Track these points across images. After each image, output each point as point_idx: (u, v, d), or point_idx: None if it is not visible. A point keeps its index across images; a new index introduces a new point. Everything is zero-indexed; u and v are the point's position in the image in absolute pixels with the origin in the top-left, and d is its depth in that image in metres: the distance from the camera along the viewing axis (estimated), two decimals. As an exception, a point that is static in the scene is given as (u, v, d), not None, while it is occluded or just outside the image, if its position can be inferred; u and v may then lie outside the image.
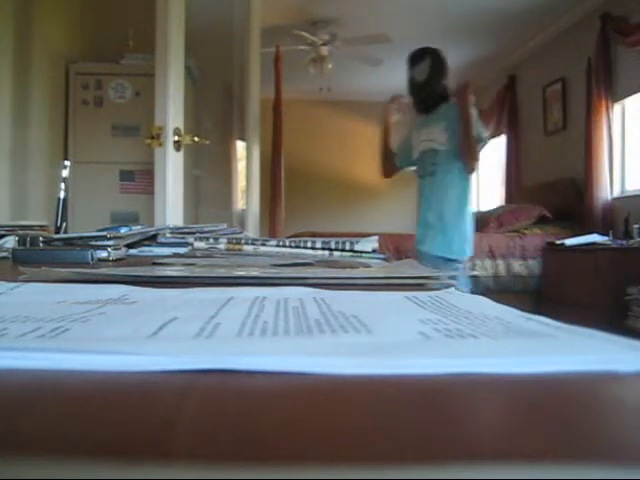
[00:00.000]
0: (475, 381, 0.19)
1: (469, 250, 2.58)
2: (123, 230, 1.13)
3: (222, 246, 0.94)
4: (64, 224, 1.35)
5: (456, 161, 2.51)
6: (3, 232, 1.24)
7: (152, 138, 2.10)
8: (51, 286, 0.46)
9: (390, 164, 2.84)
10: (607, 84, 4.15)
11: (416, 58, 2.70)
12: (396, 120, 2.85)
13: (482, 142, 2.53)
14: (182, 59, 2.19)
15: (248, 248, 0.93)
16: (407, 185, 7.22)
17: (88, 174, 2.99)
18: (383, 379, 0.19)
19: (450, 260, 2.53)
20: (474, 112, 2.48)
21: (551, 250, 3.98)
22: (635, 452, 0.13)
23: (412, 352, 0.21)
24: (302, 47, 4.96)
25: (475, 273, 3.99)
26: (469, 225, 2.58)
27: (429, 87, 2.63)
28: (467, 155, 2.47)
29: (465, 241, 2.55)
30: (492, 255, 4.07)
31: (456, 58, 5.76)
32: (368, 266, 0.76)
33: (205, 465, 0.11)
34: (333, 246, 0.91)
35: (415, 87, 2.69)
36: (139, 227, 1.23)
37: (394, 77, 6.42)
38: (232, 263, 0.77)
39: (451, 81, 2.66)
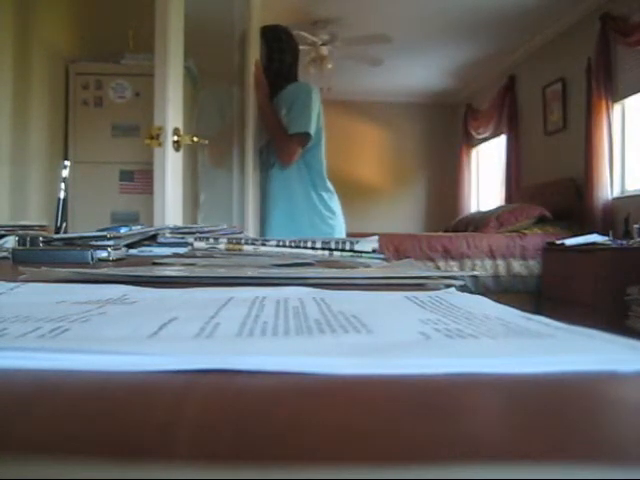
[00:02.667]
0: (475, 381, 0.19)
1: None
2: (123, 230, 1.13)
3: (222, 246, 0.94)
4: (64, 224, 1.35)
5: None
6: (3, 232, 1.24)
7: (151, 138, 2.10)
8: (51, 286, 0.46)
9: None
10: (607, 84, 4.15)
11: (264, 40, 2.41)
12: None
13: (299, 134, 2.23)
14: (181, 59, 2.19)
15: (248, 248, 0.93)
16: (408, 185, 7.25)
17: (88, 174, 2.98)
18: (383, 379, 0.19)
19: None
20: (302, 102, 2.23)
21: (551, 250, 3.98)
22: (635, 452, 0.13)
23: (412, 352, 0.21)
24: (302, 47, 4.95)
25: (475, 273, 3.99)
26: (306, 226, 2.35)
27: (272, 71, 2.38)
28: (276, 151, 2.24)
29: None
30: (492, 255, 4.07)
31: (456, 58, 5.77)
32: (368, 266, 0.76)
33: (205, 465, 0.11)
34: (333, 246, 0.91)
35: (265, 70, 2.42)
36: (139, 227, 1.23)
37: (394, 77, 6.43)
38: (232, 263, 0.77)
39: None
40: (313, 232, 2.26)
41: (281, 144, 2.28)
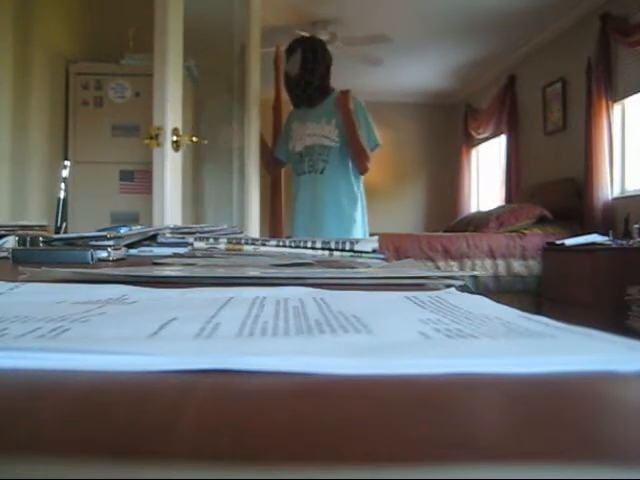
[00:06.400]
0: (475, 381, 0.19)
1: None
2: (123, 230, 1.13)
3: (222, 246, 0.94)
4: (64, 224, 1.35)
5: (347, 159, 2.51)
6: (3, 232, 1.24)
7: (150, 138, 2.10)
8: (51, 286, 0.46)
9: (269, 154, 2.81)
10: (607, 84, 4.15)
11: (289, 50, 2.61)
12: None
13: (377, 146, 2.55)
14: (181, 60, 2.19)
15: (248, 248, 0.93)
16: (408, 186, 7.25)
17: (88, 174, 2.98)
18: (383, 379, 0.19)
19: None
20: (364, 118, 2.53)
21: (551, 250, 3.98)
22: (635, 452, 0.13)
23: (412, 352, 0.21)
24: (302, 47, 4.95)
25: (475, 273, 3.99)
26: (364, 225, 2.58)
27: (303, 80, 2.54)
28: (357, 159, 2.50)
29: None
30: (492, 255, 4.07)
31: (456, 58, 5.77)
32: (368, 266, 0.76)
33: (206, 465, 0.11)
34: (333, 246, 0.91)
35: (289, 81, 2.61)
36: (139, 227, 1.23)
37: (394, 77, 6.43)
38: (232, 263, 0.77)
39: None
40: (352, 226, 2.52)
41: (364, 156, 2.50)
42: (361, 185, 2.60)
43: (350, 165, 2.54)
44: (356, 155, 2.49)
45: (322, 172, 2.52)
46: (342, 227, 2.51)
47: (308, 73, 2.53)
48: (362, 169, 2.52)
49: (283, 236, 3.26)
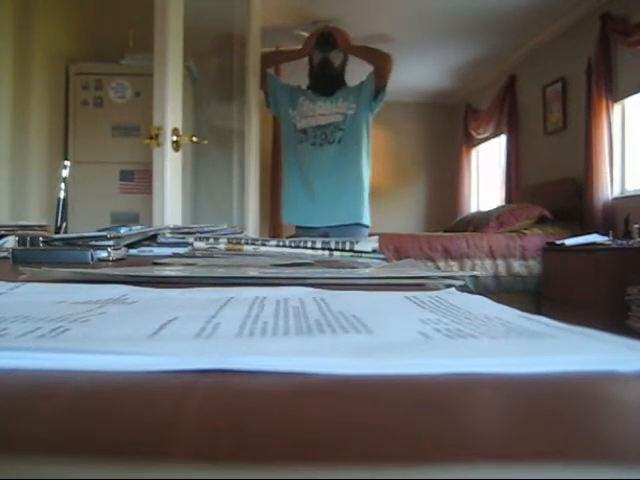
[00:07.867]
0: (475, 381, 0.19)
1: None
2: (123, 230, 1.13)
3: (222, 246, 0.94)
4: (64, 224, 1.35)
5: (362, 127, 2.59)
6: (3, 232, 1.24)
7: (150, 138, 2.10)
8: (51, 286, 0.46)
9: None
10: (607, 84, 4.15)
11: (333, 41, 2.72)
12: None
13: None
14: (180, 60, 2.19)
15: (248, 248, 0.93)
16: (408, 185, 7.24)
17: (88, 174, 2.98)
18: (383, 379, 0.19)
19: (365, 226, 2.58)
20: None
21: (551, 250, 3.98)
22: (635, 452, 0.13)
23: (412, 352, 0.21)
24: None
25: (475, 273, 3.99)
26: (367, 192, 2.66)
27: (342, 72, 2.71)
28: (380, 64, 2.60)
29: (367, 207, 2.64)
30: (492, 255, 4.07)
31: (456, 58, 5.76)
32: (368, 266, 0.76)
33: (205, 465, 0.11)
34: (333, 246, 0.91)
35: (329, 69, 2.71)
36: (139, 227, 1.23)
37: (394, 77, 6.42)
38: (232, 263, 0.77)
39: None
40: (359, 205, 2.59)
41: (385, 58, 2.66)
42: (369, 158, 2.67)
43: (364, 131, 2.61)
44: (378, 61, 2.61)
45: (339, 141, 2.58)
46: (359, 195, 2.57)
47: (344, 64, 2.71)
48: (387, 71, 2.60)
49: (283, 236, 3.27)
